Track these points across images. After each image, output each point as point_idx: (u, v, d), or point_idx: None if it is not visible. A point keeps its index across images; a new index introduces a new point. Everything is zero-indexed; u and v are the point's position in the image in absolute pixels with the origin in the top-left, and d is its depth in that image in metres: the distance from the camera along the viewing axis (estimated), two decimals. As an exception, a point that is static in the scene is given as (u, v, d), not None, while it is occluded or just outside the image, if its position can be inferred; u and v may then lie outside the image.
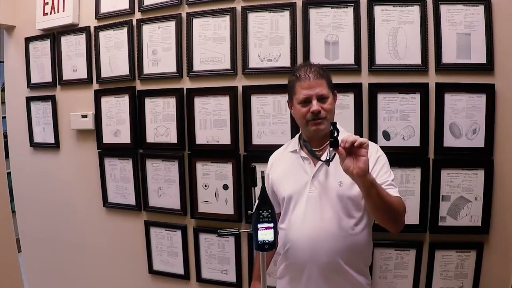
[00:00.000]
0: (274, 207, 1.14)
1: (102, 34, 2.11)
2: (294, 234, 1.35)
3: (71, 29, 2.19)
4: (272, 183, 1.48)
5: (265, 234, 1.12)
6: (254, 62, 1.82)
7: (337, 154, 1.14)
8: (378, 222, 1.28)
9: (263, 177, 1.19)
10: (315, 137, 1.37)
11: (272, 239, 1.12)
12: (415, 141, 1.64)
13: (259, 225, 1.12)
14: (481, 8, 1.55)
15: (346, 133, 1.42)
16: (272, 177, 1.48)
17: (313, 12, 1.72)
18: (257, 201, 1.15)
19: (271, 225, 1.12)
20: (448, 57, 1.59)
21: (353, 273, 1.32)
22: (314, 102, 1.32)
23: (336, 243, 1.29)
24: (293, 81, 1.39)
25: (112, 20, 2.08)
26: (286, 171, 1.44)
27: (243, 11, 1.82)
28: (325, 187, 1.33)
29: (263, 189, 1.15)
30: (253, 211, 1.14)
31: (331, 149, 1.15)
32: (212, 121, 1.91)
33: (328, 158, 1.20)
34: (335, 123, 1.14)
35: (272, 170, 1.50)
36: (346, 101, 1.69)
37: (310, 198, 1.34)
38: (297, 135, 1.49)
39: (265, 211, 1.12)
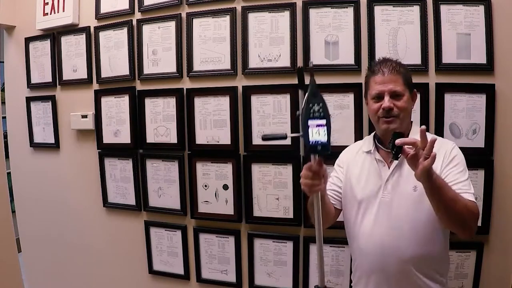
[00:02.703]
0: (325, 102, 1.00)
1: (102, 34, 2.11)
2: (362, 241, 1.29)
3: (71, 29, 2.19)
4: (344, 182, 1.39)
5: (317, 133, 0.97)
6: (254, 62, 1.82)
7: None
8: (444, 225, 1.20)
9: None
10: (387, 136, 1.26)
11: (326, 140, 0.97)
12: (415, 141, 1.64)
13: (310, 122, 0.97)
14: (481, 8, 1.55)
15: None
16: (347, 177, 1.39)
17: (313, 12, 1.72)
18: (306, 94, 1.00)
19: (323, 121, 0.98)
20: (448, 57, 1.59)
21: (428, 282, 1.23)
22: (386, 98, 1.25)
23: (409, 251, 1.21)
24: (368, 76, 1.34)
25: (112, 20, 2.08)
26: (360, 174, 1.36)
27: (243, 11, 1.81)
28: (398, 191, 1.26)
29: (313, 81, 1.01)
30: (303, 105, 1.00)
31: (397, 158, 1.08)
32: (212, 121, 1.91)
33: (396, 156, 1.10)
34: (396, 133, 1.07)
35: (348, 169, 1.40)
36: (346, 101, 1.69)
37: (382, 203, 1.27)
38: (372, 134, 1.42)
39: (315, 105, 0.98)
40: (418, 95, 1.59)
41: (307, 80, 1.04)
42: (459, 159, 1.24)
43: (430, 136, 1.07)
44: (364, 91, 1.39)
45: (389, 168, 1.29)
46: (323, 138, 0.97)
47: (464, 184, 1.19)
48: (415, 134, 1.28)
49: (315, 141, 0.97)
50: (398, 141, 1.05)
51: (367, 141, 1.41)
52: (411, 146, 1.05)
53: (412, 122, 1.37)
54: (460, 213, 1.10)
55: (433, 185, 1.06)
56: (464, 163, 1.25)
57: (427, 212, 1.20)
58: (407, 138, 1.08)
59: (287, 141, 1.77)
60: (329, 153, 1.00)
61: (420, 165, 1.02)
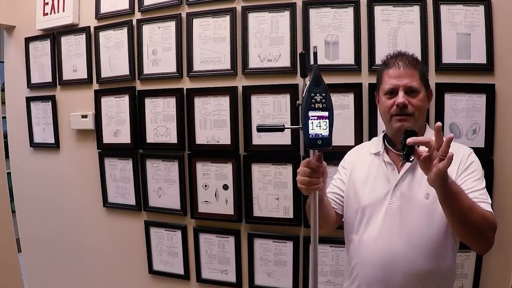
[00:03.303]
0: (329, 92, 0.91)
1: (102, 34, 2.11)
2: (363, 251, 1.19)
3: (71, 29, 2.19)
4: (347, 185, 1.30)
5: (317, 126, 0.89)
6: (254, 62, 1.82)
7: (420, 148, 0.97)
8: (458, 237, 1.10)
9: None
10: (400, 136, 1.12)
11: (327, 134, 0.89)
12: (415, 141, 1.64)
13: (311, 113, 0.89)
14: (481, 8, 1.55)
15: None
16: (351, 179, 1.30)
17: (313, 12, 1.72)
18: (307, 83, 0.91)
19: (326, 113, 0.89)
20: (448, 57, 1.59)
21: None
22: (401, 94, 1.14)
23: (416, 265, 1.12)
24: (381, 70, 1.23)
25: (112, 20, 2.08)
26: (366, 176, 1.25)
27: (243, 11, 1.81)
28: (408, 198, 1.15)
29: (316, 67, 0.92)
30: (304, 94, 0.92)
31: (409, 159, 0.97)
32: (212, 121, 1.91)
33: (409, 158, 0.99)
34: (409, 131, 0.96)
35: (353, 171, 1.30)
36: (346, 101, 1.69)
37: (389, 210, 1.16)
38: (381, 134, 1.32)
39: (318, 95, 0.90)
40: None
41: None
42: (476, 166, 1.15)
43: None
44: (376, 87, 1.29)
45: (399, 172, 1.19)
46: (324, 132, 0.89)
47: (481, 193, 1.09)
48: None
49: (316, 135, 0.89)
50: (410, 140, 0.94)
51: (376, 142, 1.31)
52: (424, 147, 0.95)
53: (426, 124, 1.29)
54: (477, 224, 0.99)
55: (448, 192, 0.95)
56: (481, 171, 1.16)
57: (439, 222, 1.11)
58: (420, 137, 0.97)
59: (287, 141, 1.77)
60: (330, 148, 0.92)
61: (434, 168, 0.91)
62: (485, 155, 1.57)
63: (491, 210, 1.07)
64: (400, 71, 1.17)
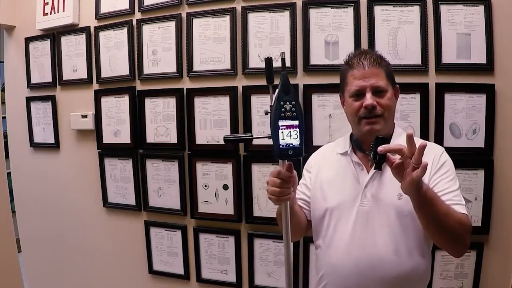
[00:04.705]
0: (299, 100, 0.89)
1: (102, 34, 2.11)
2: (335, 257, 1.13)
3: (71, 29, 2.19)
4: (313, 187, 1.24)
5: (288, 136, 0.87)
6: (254, 62, 1.82)
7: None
8: (434, 242, 1.08)
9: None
10: (369, 138, 1.10)
11: (298, 143, 0.87)
12: (415, 141, 1.64)
13: (280, 122, 0.87)
14: (481, 8, 1.55)
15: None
16: (316, 181, 1.24)
17: (313, 12, 1.72)
18: (276, 91, 0.89)
19: (296, 122, 0.87)
20: (448, 57, 1.59)
21: None
22: (368, 95, 1.09)
23: (392, 270, 1.07)
24: (345, 70, 1.17)
25: (112, 20, 2.08)
26: (333, 177, 1.20)
27: (243, 11, 1.81)
28: (380, 200, 1.10)
29: (284, 74, 0.90)
30: (273, 103, 0.90)
31: (379, 169, 0.95)
32: (212, 121, 1.91)
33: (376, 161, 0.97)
34: (380, 139, 0.93)
35: (319, 173, 1.25)
36: (346, 101, 1.69)
37: (360, 212, 1.11)
38: (348, 134, 1.28)
39: (287, 103, 0.88)
40: (418, 95, 1.61)
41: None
42: (449, 166, 1.11)
43: (418, 141, 0.90)
44: (340, 89, 1.24)
45: (368, 172, 1.14)
46: (295, 141, 0.87)
47: (455, 194, 1.06)
48: (398, 136, 1.18)
49: (286, 144, 0.87)
50: (381, 148, 0.90)
51: (342, 142, 1.26)
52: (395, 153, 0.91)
53: (394, 123, 1.25)
54: (453, 228, 0.97)
55: (423, 198, 0.93)
56: (454, 171, 1.12)
57: (414, 224, 1.06)
58: (391, 144, 0.94)
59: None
60: (301, 157, 0.88)
61: (408, 177, 0.89)
62: (485, 155, 1.57)
63: (466, 212, 1.04)
64: (365, 70, 1.11)
